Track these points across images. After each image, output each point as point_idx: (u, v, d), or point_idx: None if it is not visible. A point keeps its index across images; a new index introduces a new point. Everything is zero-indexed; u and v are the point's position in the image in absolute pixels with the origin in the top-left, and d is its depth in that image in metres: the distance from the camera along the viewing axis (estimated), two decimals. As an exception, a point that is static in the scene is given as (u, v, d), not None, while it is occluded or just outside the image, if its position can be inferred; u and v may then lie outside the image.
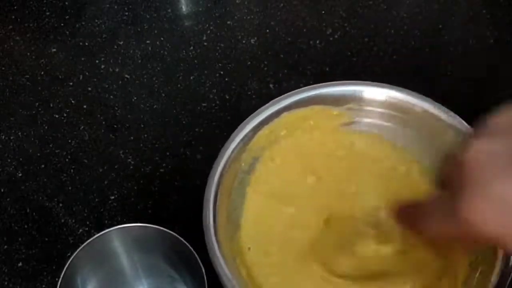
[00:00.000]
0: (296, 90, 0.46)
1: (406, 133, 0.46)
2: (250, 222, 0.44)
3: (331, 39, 0.61)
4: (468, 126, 0.43)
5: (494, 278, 0.38)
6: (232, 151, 0.43)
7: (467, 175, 0.28)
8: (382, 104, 0.46)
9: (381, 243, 0.41)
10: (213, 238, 0.39)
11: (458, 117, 0.44)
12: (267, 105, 0.45)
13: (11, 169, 0.53)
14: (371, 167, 0.46)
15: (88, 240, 0.37)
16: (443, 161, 0.35)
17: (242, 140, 0.44)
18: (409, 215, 0.35)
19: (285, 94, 0.45)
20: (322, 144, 0.47)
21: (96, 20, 0.63)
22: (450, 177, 0.31)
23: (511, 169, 0.27)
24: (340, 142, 0.47)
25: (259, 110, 0.45)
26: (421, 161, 0.46)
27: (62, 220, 0.50)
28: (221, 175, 0.42)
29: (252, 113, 0.44)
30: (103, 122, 0.55)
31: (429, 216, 0.32)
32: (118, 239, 0.39)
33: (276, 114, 0.45)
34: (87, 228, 0.49)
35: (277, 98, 0.45)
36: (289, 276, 0.42)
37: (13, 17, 0.64)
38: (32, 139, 0.55)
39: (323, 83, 0.46)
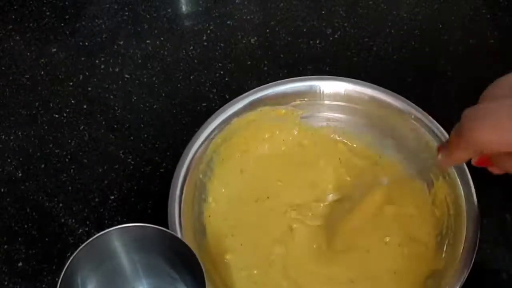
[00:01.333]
0: (242, 95, 0.48)
1: (356, 124, 0.50)
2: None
3: (331, 39, 0.61)
4: (416, 107, 0.47)
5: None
6: (189, 164, 0.45)
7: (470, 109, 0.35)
8: (331, 96, 0.49)
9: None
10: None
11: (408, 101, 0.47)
12: (217, 111, 0.47)
13: (11, 169, 0.53)
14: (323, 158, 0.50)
15: (88, 240, 0.37)
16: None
17: (196, 152, 0.46)
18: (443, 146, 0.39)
19: (234, 99, 0.48)
20: (273, 143, 0.50)
21: (96, 20, 0.63)
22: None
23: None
24: (290, 139, 0.50)
25: (209, 119, 0.47)
26: (376, 150, 0.49)
27: (62, 220, 0.50)
28: (182, 187, 0.44)
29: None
30: (103, 122, 0.55)
31: (448, 142, 0.37)
32: (118, 239, 0.39)
33: (227, 121, 0.47)
34: (87, 228, 0.49)
35: (226, 104, 0.48)
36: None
37: (13, 17, 0.64)
38: (32, 139, 0.55)
39: (269, 84, 0.49)
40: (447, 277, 0.41)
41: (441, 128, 0.45)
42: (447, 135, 0.44)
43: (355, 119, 0.50)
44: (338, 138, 0.50)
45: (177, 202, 0.43)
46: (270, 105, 0.49)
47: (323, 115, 0.50)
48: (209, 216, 0.46)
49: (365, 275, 0.44)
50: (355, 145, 0.50)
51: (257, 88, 0.49)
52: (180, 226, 0.42)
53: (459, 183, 0.43)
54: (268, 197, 0.48)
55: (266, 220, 0.46)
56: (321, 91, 0.49)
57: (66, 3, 0.65)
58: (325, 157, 0.50)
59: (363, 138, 0.50)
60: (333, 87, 0.49)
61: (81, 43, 0.61)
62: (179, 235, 0.41)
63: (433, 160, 0.43)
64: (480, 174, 0.43)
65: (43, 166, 0.53)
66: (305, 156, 0.50)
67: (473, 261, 0.41)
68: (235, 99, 0.48)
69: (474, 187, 0.43)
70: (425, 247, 0.45)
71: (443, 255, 0.43)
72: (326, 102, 0.49)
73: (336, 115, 0.50)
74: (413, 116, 0.47)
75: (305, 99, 0.49)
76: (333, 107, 0.50)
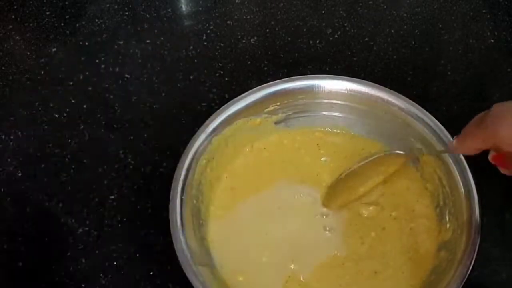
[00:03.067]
0: (219, 110, 0.48)
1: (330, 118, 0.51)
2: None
3: (331, 38, 0.61)
4: (411, 101, 0.47)
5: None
6: (182, 188, 0.44)
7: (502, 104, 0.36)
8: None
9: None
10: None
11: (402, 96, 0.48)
12: (197, 132, 0.47)
13: (11, 169, 0.53)
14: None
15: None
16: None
17: (198, 148, 0.46)
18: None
19: (210, 118, 0.47)
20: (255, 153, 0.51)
21: (96, 20, 0.63)
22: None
23: None
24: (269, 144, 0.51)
25: (192, 139, 0.46)
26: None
27: (62, 220, 0.50)
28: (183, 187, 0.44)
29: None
30: (103, 122, 0.55)
31: (466, 131, 0.38)
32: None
33: (208, 140, 0.47)
34: (87, 228, 0.49)
35: (202, 126, 0.47)
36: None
37: (13, 16, 0.64)
38: (32, 139, 0.55)
39: (243, 94, 0.48)
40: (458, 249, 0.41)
41: (441, 126, 0.46)
42: (448, 134, 0.45)
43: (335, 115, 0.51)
44: (317, 128, 0.51)
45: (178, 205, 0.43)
46: (245, 117, 0.49)
47: (296, 116, 0.51)
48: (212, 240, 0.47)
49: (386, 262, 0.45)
50: (330, 130, 0.51)
51: (230, 102, 0.48)
52: (183, 229, 0.42)
53: (451, 161, 0.44)
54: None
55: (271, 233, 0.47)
56: (292, 91, 0.49)
57: (66, 3, 0.65)
58: (305, 147, 0.51)
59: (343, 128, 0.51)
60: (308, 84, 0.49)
61: (81, 43, 0.61)
62: (182, 238, 0.41)
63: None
64: (480, 174, 0.43)
65: (43, 166, 0.53)
66: (288, 153, 0.51)
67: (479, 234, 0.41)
68: (237, 98, 0.48)
69: (475, 186, 0.43)
70: (426, 219, 0.46)
71: (448, 226, 0.44)
72: (301, 102, 0.50)
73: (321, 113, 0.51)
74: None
75: (277, 104, 0.49)
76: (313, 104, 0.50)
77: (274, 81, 0.49)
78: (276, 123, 0.50)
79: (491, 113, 0.36)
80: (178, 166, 0.45)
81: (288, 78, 0.49)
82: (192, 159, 0.45)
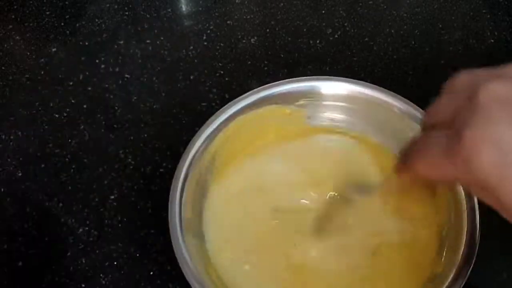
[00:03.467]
0: (245, 94, 0.48)
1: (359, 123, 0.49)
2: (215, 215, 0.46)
3: (331, 38, 0.61)
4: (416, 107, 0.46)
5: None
6: (191, 160, 0.44)
7: (478, 112, 0.27)
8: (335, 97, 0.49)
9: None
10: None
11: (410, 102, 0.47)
12: (220, 110, 0.47)
13: (11, 168, 0.53)
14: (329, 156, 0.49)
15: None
16: (442, 99, 0.34)
17: (199, 147, 0.45)
18: (405, 154, 0.34)
19: (237, 99, 0.47)
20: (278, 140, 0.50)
21: (96, 20, 0.63)
22: (450, 110, 0.30)
23: None
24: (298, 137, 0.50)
25: (211, 118, 0.46)
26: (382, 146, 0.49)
27: (62, 220, 0.50)
28: (183, 187, 0.44)
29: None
30: (103, 122, 0.55)
31: (426, 155, 0.31)
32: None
33: (231, 118, 0.46)
34: (87, 228, 0.49)
35: (229, 103, 0.47)
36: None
37: (13, 16, 0.64)
38: (32, 138, 0.55)
39: (272, 83, 0.48)
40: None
41: None
42: None
43: (354, 120, 0.50)
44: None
45: (178, 204, 0.43)
46: (276, 104, 0.48)
47: (324, 116, 0.50)
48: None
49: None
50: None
51: (260, 88, 0.48)
52: (181, 229, 0.42)
53: (463, 196, 0.43)
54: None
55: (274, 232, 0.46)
56: (322, 91, 0.49)
57: (66, 3, 0.65)
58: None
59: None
60: (335, 87, 0.49)
61: (81, 43, 0.61)
62: (180, 240, 0.41)
63: None
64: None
65: (43, 166, 0.53)
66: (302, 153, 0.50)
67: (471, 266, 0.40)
68: (237, 98, 0.48)
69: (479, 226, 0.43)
70: (426, 248, 0.44)
71: (443, 259, 0.43)
72: (328, 102, 0.49)
73: (337, 116, 0.50)
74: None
75: (308, 99, 0.49)
76: (335, 107, 0.50)
77: (276, 82, 0.49)
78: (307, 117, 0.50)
79: (465, 145, 0.27)
80: (195, 135, 0.45)
81: (290, 79, 0.49)
82: (193, 157, 0.45)
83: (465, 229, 0.42)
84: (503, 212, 0.29)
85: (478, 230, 0.41)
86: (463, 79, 0.32)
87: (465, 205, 0.42)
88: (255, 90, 0.48)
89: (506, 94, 0.28)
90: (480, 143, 0.27)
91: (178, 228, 0.42)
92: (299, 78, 0.49)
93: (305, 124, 0.50)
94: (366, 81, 0.49)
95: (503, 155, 0.26)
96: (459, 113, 0.29)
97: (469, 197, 0.42)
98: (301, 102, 0.49)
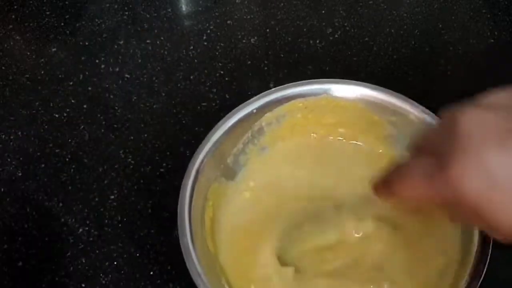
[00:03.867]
0: (269, 91, 0.47)
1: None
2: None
3: (331, 38, 0.61)
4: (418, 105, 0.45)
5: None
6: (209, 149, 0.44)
7: (459, 139, 0.28)
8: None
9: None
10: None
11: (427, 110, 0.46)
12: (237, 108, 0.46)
13: (11, 168, 0.53)
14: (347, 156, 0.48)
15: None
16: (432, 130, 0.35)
17: (219, 138, 0.45)
18: (387, 180, 0.34)
19: (260, 94, 0.46)
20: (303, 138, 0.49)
21: (96, 20, 0.63)
22: (435, 140, 0.32)
23: (504, 140, 0.27)
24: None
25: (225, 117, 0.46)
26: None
27: (62, 220, 0.50)
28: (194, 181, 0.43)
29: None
30: (103, 122, 0.55)
31: (408, 177, 0.32)
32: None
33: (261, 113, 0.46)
34: (87, 228, 0.49)
35: (254, 97, 0.46)
36: None
37: (13, 16, 0.64)
38: (32, 138, 0.55)
39: (292, 83, 0.47)
40: None
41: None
42: None
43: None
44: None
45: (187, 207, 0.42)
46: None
47: None
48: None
49: None
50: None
51: (242, 105, 0.47)
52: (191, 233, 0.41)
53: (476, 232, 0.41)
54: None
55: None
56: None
57: (66, 3, 0.65)
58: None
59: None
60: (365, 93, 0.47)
61: (81, 43, 0.61)
62: (189, 242, 0.40)
63: None
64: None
65: (43, 166, 0.53)
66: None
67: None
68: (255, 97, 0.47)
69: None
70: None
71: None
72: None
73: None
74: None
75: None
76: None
77: (288, 84, 0.48)
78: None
79: (451, 174, 0.28)
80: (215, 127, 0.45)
81: (302, 81, 0.48)
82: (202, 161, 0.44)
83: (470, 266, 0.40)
84: (493, 233, 0.31)
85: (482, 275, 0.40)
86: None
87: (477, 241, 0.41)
88: (277, 88, 0.47)
89: (484, 120, 0.29)
90: (466, 171, 0.28)
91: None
92: (310, 80, 0.48)
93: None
94: (366, 81, 0.49)
95: (489, 180, 0.27)
96: (442, 142, 0.30)
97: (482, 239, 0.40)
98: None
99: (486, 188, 0.27)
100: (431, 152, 0.30)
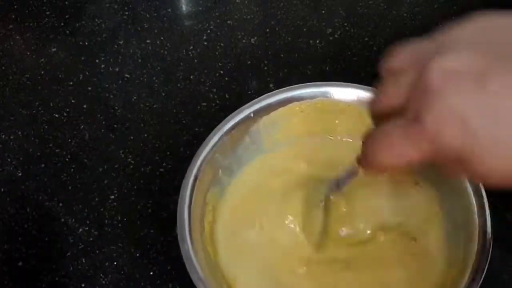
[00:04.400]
0: (268, 93, 0.47)
1: None
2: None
3: (331, 38, 0.61)
4: None
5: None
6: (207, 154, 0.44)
7: (433, 94, 0.27)
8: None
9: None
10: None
11: None
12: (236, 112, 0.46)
13: (11, 168, 0.53)
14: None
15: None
16: (386, 83, 0.34)
17: (218, 141, 0.45)
18: (366, 153, 0.33)
19: (260, 97, 0.47)
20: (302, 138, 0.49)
21: (96, 20, 0.63)
22: (403, 99, 0.30)
23: (477, 82, 0.27)
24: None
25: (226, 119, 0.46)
26: None
27: (62, 220, 0.50)
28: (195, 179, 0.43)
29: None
30: (103, 122, 0.55)
31: (385, 143, 0.30)
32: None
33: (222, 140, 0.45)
34: (87, 228, 0.49)
35: (252, 101, 0.46)
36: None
37: (13, 16, 0.64)
38: (32, 138, 0.55)
39: (292, 86, 0.47)
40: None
41: None
42: None
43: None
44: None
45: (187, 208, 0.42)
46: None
47: None
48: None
49: None
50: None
51: (280, 89, 0.47)
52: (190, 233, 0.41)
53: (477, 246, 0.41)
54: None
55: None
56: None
57: (66, 3, 0.65)
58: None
59: None
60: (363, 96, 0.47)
61: (81, 43, 0.61)
62: (188, 242, 0.40)
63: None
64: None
65: (43, 166, 0.53)
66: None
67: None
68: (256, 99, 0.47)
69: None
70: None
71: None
72: None
73: None
74: None
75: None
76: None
77: (291, 86, 0.48)
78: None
79: (428, 129, 0.27)
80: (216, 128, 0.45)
81: (304, 84, 0.48)
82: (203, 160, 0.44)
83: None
84: (481, 180, 0.30)
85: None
86: (404, 57, 0.33)
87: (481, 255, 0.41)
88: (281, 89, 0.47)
89: (456, 68, 0.28)
90: (444, 124, 0.27)
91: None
92: (312, 83, 0.48)
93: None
94: (366, 82, 0.49)
95: (469, 128, 0.26)
96: (413, 97, 0.29)
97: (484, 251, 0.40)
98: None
99: (463, 136, 0.27)
100: (400, 110, 0.30)
